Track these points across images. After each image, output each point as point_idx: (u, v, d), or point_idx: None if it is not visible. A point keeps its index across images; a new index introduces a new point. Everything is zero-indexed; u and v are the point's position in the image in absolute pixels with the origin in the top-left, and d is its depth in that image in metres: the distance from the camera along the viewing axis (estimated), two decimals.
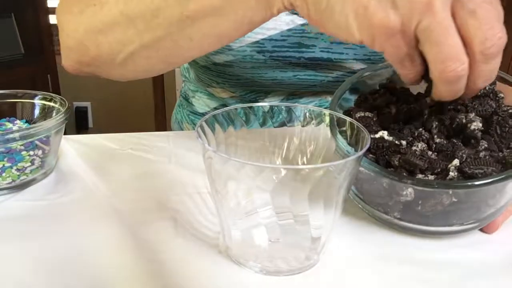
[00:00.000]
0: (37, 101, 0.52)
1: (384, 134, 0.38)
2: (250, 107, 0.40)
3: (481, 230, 0.40)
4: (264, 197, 0.33)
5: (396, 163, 0.37)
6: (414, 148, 0.38)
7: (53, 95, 0.51)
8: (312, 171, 0.31)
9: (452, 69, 0.33)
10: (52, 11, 2.08)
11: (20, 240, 0.38)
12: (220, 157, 0.31)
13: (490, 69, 0.34)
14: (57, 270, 0.35)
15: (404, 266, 0.36)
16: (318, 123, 0.40)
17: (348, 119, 0.37)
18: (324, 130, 0.40)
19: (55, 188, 0.46)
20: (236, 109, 0.39)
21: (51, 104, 0.51)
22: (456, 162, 0.36)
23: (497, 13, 0.33)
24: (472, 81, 0.34)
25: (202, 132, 0.34)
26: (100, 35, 0.45)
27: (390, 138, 0.38)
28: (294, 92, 0.68)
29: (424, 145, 0.38)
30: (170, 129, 0.87)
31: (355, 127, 0.36)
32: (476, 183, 0.34)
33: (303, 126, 0.41)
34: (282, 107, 0.41)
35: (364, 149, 0.32)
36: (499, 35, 0.33)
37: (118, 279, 0.34)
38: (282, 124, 0.43)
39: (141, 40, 0.43)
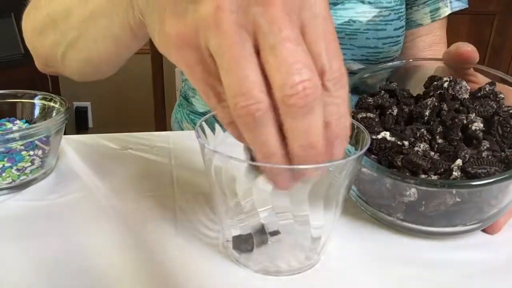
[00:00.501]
0: (37, 101, 0.52)
1: (386, 134, 0.38)
2: None
3: (484, 231, 0.40)
4: (264, 197, 0.33)
5: (399, 163, 0.37)
6: (416, 148, 0.38)
7: (53, 95, 0.51)
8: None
9: (242, 106, 0.24)
10: None
11: (20, 240, 0.38)
12: (220, 157, 0.31)
13: (301, 128, 0.25)
14: (57, 270, 0.35)
15: (404, 266, 0.36)
16: None
17: None
18: None
19: (55, 188, 0.46)
20: None
21: (51, 104, 0.51)
22: (459, 162, 0.36)
23: (305, 55, 0.25)
24: (288, 143, 0.26)
25: (202, 132, 0.34)
26: (40, 37, 0.46)
27: (393, 139, 0.38)
28: None
29: (426, 146, 0.38)
30: (170, 129, 0.87)
31: (355, 127, 0.36)
32: (480, 182, 0.34)
33: None
34: None
35: (364, 149, 0.32)
36: (304, 85, 0.24)
37: (118, 279, 0.34)
38: None
39: (65, 41, 0.43)
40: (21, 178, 0.46)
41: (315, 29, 0.25)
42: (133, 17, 0.34)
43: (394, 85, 0.45)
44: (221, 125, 0.38)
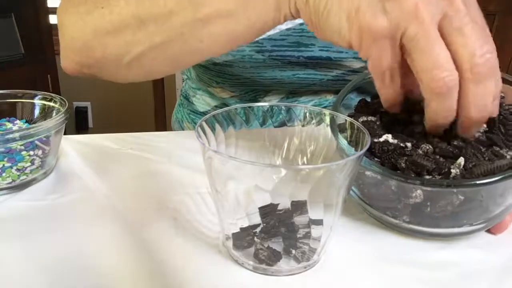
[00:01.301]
0: (37, 101, 0.52)
1: (388, 137, 0.38)
2: (250, 107, 0.40)
3: (488, 231, 0.40)
4: (264, 197, 0.33)
5: (403, 165, 0.36)
6: (419, 150, 0.38)
7: (53, 95, 0.51)
8: (312, 171, 0.31)
9: (440, 78, 0.32)
10: (52, 11, 2.08)
11: (20, 240, 0.38)
12: (220, 157, 0.31)
13: (481, 93, 0.33)
14: (57, 270, 0.35)
15: (405, 266, 0.36)
16: (318, 123, 0.40)
17: (348, 119, 0.37)
18: (324, 130, 0.40)
19: (55, 188, 0.46)
20: (236, 109, 0.39)
21: (51, 104, 0.51)
22: (461, 160, 0.35)
23: (485, 33, 0.33)
24: (465, 107, 0.34)
25: (202, 132, 0.34)
26: (108, 37, 0.45)
27: (395, 141, 0.38)
28: (294, 91, 0.68)
29: (429, 147, 0.38)
30: (170, 129, 0.87)
31: (356, 127, 0.36)
32: (486, 181, 0.33)
33: (303, 126, 0.41)
34: (282, 106, 0.41)
35: (365, 149, 0.32)
36: (488, 55, 0.33)
37: (118, 279, 0.34)
38: (282, 124, 0.43)
39: (150, 41, 0.44)
40: (21, 178, 0.46)
41: (475, 14, 0.34)
42: (274, 17, 0.40)
43: None
44: (221, 125, 0.38)
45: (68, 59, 0.50)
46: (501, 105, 0.41)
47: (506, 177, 0.33)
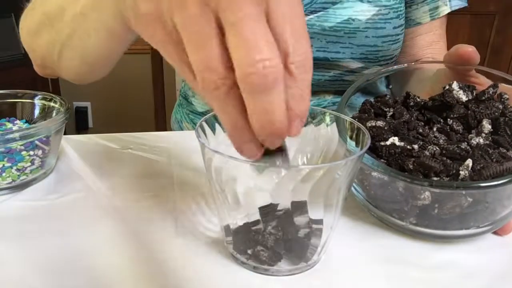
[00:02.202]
0: (37, 101, 0.52)
1: (395, 140, 0.38)
2: None
3: (494, 233, 0.40)
4: (264, 197, 0.33)
5: (411, 166, 0.36)
6: (426, 152, 0.37)
7: (53, 95, 0.51)
8: (312, 171, 0.31)
9: (208, 81, 0.25)
10: None
11: (20, 240, 0.38)
12: (220, 157, 0.31)
13: (261, 106, 0.25)
14: (57, 270, 0.35)
15: (405, 266, 0.36)
16: (318, 123, 0.40)
17: (348, 119, 0.37)
18: (324, 130, 0.40)
19: (55, 188, 0.46)
20: None
21: (51, 104, 0.51)
22: (469, 162, 0.35)
23: (266, 34, 0.24)
24: (250, 120, 0.26)
25: (202, 132, 0.34)
26: (36, 37, 0.47)
27: (402, 144, 0.38)
28: None
29: (436, 148, 0.38)
30: (170, 129, 0.87)
31: (356, 127, 0.36)
32: (496, 183, 0.33)
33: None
34: None
35: (365, 149, 0.32)
36: (264, 64, 0.24)
37: (118, 279, 0.34)
38: None
39: (60, 38, 0.44)
40: (21, 178, 0.46)
41: (279, 9, 0.25)
42: (124, 8, 0.33)
43: (388, 96, 0.45)
44: (221, 125, 0.38)
45: (32, 61, 0.51)
46: (505, 106, 0.41)
47: None
